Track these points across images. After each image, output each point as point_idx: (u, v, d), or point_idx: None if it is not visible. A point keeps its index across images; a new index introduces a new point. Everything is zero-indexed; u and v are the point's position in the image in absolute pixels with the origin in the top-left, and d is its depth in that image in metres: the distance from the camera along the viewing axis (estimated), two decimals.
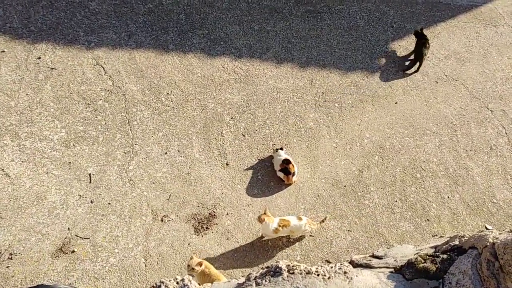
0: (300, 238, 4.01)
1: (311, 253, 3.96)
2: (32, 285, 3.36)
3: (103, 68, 4.89)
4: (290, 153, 4.47)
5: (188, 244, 3.87)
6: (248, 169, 4.42)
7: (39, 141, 4.26)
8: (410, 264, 2.62)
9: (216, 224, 4.03)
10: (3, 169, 4.03)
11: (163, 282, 2.45)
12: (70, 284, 3.49)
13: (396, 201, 4.35)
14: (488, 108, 5.23)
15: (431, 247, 2.97)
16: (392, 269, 2.71)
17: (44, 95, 4.56)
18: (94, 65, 4.89)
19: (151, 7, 5.47)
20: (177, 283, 2.45)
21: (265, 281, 2.52)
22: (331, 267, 2.57)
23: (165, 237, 3.89)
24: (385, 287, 2.50)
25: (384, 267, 2.78)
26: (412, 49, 5.57)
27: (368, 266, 2.81)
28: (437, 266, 2.54)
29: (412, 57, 5.53)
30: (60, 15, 5.19)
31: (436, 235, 4.04)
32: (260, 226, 3.79)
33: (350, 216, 4.20)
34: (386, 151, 4.71)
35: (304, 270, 2.52)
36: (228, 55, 5.28)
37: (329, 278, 2.50)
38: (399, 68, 5.45)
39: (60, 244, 3.73)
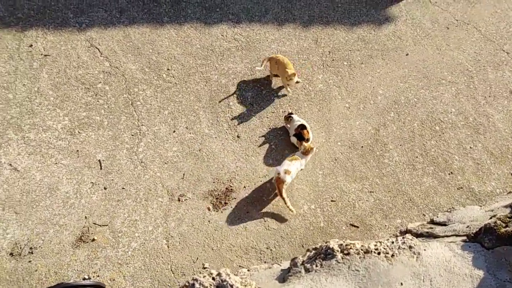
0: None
1: (334, 218, 3.87)
2: (52, 285, 3.30)
3: (98, 49, 4.67)
4: (302, 119, 4.30)
5: (208, 221, 3.79)
6: (260, 139, 4.28)
7: (43, 132, 4.12)
8: (488, 230, 2.20)
9: (234, 198, 3.93)
10: (10, 164, 3.92)
11: (196, 280, 2.12)
12: (93, 274, 3.44)
13: (417, 157, 4.20)
14: (503, 50, 4.97)
15: (505, 207, 2.58)
16: (465, 237, 2.31)
17: (41, 83, 4.38)
18: (88, 47, 4.67)
19: None
20: (213, 278, 2.14)
21: (316, 266, 2.19)
22: (392, 242, 2.23)
23: (184, 217, 3.81)
24: (462, 260, 2.12)
25: (453, 235, 2.41)
26: None
27: (431, 236, 2.47)
28: None
29: None
30: None
31: (462, 188, 3.92)
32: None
33: (370, 177, 4.08)
34: (402, 106, 4.52)
35: (361, 249, 2.19)
36: (226, 22, 5.01)
37: (392, 256, 2.15)
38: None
39: (79, 234, 3.66)
